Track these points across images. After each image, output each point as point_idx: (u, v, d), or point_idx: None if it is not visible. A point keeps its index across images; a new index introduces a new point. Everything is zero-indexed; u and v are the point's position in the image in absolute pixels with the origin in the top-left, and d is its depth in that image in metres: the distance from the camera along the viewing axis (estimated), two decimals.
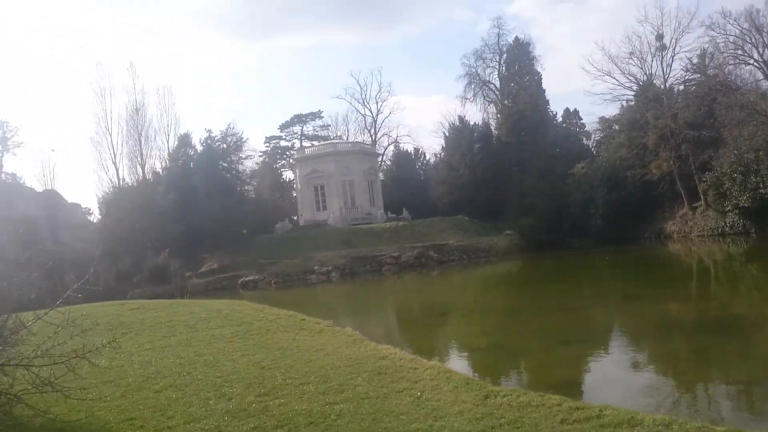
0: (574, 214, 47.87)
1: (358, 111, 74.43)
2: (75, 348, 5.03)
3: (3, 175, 49.44)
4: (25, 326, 4.75)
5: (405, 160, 62.52)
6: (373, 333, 13.27)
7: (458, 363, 10.82)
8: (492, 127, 58.06)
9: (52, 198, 41.10)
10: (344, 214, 51.00)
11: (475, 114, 66.84)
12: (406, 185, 58.08)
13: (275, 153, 70.57)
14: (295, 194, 63.70)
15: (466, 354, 9.99)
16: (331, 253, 42.02)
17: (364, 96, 73.85)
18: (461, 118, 57.60)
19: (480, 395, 6.73)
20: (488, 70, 67.72)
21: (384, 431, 5.78)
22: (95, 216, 52.60)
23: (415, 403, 6.59)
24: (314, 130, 73.02)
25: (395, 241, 44.65)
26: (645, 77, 45.11)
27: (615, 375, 10.39)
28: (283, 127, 71.52)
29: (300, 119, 71.40)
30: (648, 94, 44.22)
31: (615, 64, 45.16)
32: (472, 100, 67.32)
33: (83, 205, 54.68)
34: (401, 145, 68.51)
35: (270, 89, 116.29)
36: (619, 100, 48.20)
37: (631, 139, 45.13)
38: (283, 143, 71.72)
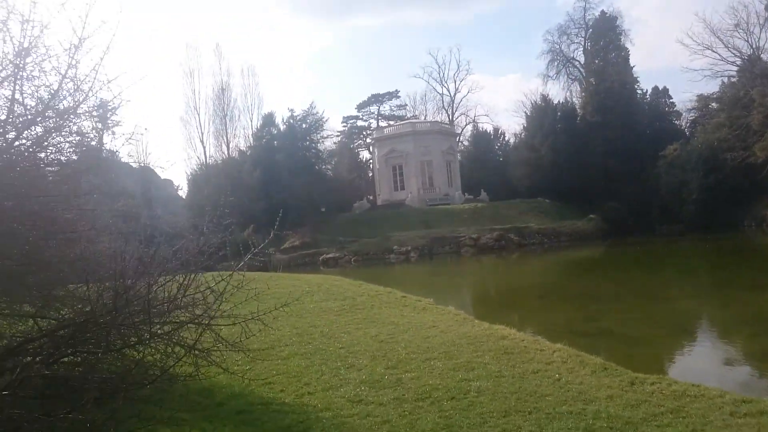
0: (664, 199, 45.49)
1: (435, 90, 73.79)
2: (251, 311, 5.22)
3: (104, 153, 52.48)
4: (210, 287, 4.94)
5: (483, 141, 61.38)
6: (475, 313, 13.15)
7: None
8: (576, 106, 55.80)
9: (147, 175, 43.32)
10: (422, 194, 50.87)
11: (558, 92, 64.51)
12: (484, 166, 57.09)
13: (352, 133, 71.14)
14: (371, 174, 64.15)
15: (576, 339, 9.65)
16: (410, 233, 42.07)
17: (441, 75, 73.05)
18: (544, 97, 55.72)
19: (624, 381, 6.47)
20: (572, 46, 65.18)
21: (534, 411, 5.65)
22: (183, 192, 55.20)
23: (557, 385, 6.42)
24: (391, 109, 73.01)
25: (474, 222, 44.13)
26: (751, 51, 41.85)
27: (746, 367, 9.77)
28: (360, 107, 71.93)
29: (377, 99, 71.49)
30: (754, 70, 41.00)
31: (717, 37, 42.18)
32: (554, 77, 65.15)
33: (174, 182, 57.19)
34: (479, 125, 67.38)
35: (347, 69, 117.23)
36: (720, 77, 45.10)
37: (732, 119, 42.06)
38: (360, 123, 72.22)
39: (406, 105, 73.47)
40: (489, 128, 65.30)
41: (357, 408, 6.12)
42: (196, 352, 4.62)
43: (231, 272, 5.11)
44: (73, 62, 3.98)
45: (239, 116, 55.30)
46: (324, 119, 51.94)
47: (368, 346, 8.86)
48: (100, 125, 6.75)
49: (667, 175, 45.66)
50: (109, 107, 5.39)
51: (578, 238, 42.56)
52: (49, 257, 4.96)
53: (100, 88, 4.45)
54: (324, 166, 53.29)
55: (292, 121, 48.75)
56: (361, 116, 72.36)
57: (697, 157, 43.93)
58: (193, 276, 4.79)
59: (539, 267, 31.20)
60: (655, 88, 59.25)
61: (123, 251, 4.85)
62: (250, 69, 71.21)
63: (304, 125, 49.75)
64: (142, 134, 5.82)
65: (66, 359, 4.22)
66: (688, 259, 29.47)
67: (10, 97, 3.96)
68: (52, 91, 4.15)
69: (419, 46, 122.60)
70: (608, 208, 46.34)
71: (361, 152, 70.45)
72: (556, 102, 56.07)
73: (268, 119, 49.13)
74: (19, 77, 3.87)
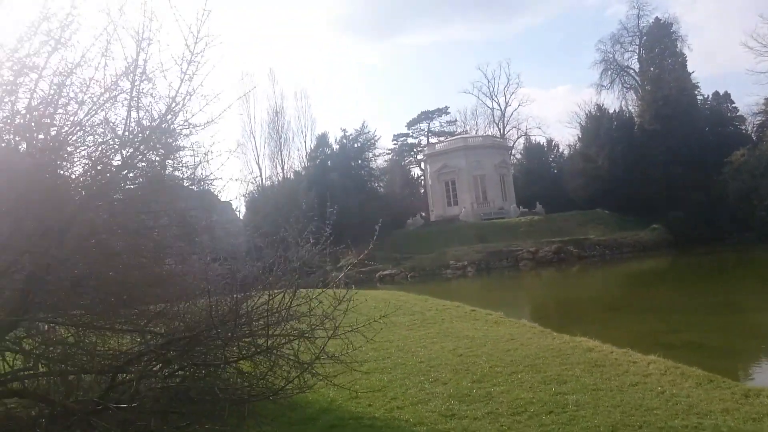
0: (732, 206, 43.33)
1: (485, 105, 73.28)
2: (349, 324, 5.16)
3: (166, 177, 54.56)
4: (309, 300, 4.92)
5: (536, 153, 60.34)
6: (548, 326, 12.72)
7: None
8: (633, 115, 54.20)
9: (207, 197, 44.76)
10: (476, 208, 50.30)
11: (613, 102, 62.76)
12: (538, 178, 56.00)
13: (403, 150, 71.33)
14: (422, 190, 64.04)
15: (663, 351, 9.14)
16: (465, 248, 41.55)
17: (491, 89, 72.57)
18: (599, 107, 54.45)
19: (737, 393, 6.04)
20: (626, 55, 63.57)
21: (643, 426, 5.33)
22: (240, 213, 56.59)
23: (662, 398, 6.06)
24: (441, 126, 72.87)
25: (530, 236, 43.23)
26: None
27: None
28: (410, 125, 72.13)
29: (426, 116, 71.55)
30: None
31: None
32: (608, 87, 63.59)
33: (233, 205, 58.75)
34: (532, 138, 66.34)
35: (395, 88, 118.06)
36: None
37: None
38: (410, 140, 72.33)
39: (456, 121, 73.29)
40: (542, 140, 64.24)
41: (451, 423, 5.93)
42: (304, 365, 4.58)
43: (322, 289, 5.09)
44: (186, 77, 4.05)
45: (293, 138, 56.43)
46: (376, 138, 52.44)
47: (448, 360, 8.67)
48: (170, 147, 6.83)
49: (734, 181, 43.57)
50: (181, 131, 5.35)
51: (641, 249, 41.02)
52: (143, 275, 5.05)
53: (193, 114, 4.50)
54: (377, 184, 53.60)
55: (345, 140, 49.39)
56: (411, 133, 72.56)
57: (767, 162, 41.78)
58: (294, 291, 4.77)
59: (605, 279, 30.13)
60: (716, 93, 56.92)
61: (225, 269, 4.87)
62: (302, 92, 73.11)
63: (356, 144, 50.28)
64: (209, 158, 5.78)
65: (177, 373, 4.25)
66: (765, 268, 27.84)
67: (125, 116, 4.05)
68: (160, 112, 4.23)
69: (467, 62, 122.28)
70: (672, 217, 44.57)
71: (412, 169, 70.54)
72: (611, 111, 54.66)
73: (322, 140, 49.94)
74: (134, 96, 3.95)
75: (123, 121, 4.08)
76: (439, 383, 7.45)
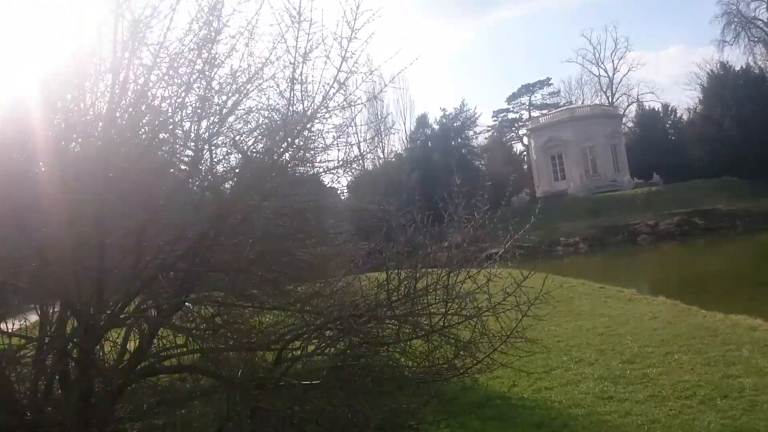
0: None
1: (591, 73, 69.25)
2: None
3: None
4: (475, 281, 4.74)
5: (651, 120, 56.15)
6: (690, 303, 11.73)
7: None
8: (765, 70, 48.84)
9: (315, 184, 46.27)
10: (585, 182, 47.90)
11: (738, 58, 56.77)
12: (654, 147, 52.11)
13: (503, 126, 69.38)
14: (526, 166, 62.06)
15: None
16: (576, 223, 39.71)
17: (597, 56, 68.40)
18: (723, 65, 49.53)
19: None
20: (752, 5, 57.10)
21: None
22: (343, 197, 57.86)
23: None
24: (543, 98, 69.89)
25: (648, 208, 40.42)
26: None
27: None
28: (510, 99, 69.81)
29: (527, 89, 68.87)
30: None
31: None
32: (732, 42, 57.59)
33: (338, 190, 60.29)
34: (644, 104, 61.89)
35: (493, 64, 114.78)
36: None
37: None
38: (510, 115, 70.06)
39: (560, 92, 69.89)
40: (656, 106, 59.67)
41: (610, 405, 5.55)
42: (493, 343, 4.45)
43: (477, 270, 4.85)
44: (348, 55, 3.90)
45: (393, 121, 56.60)
46: (476, 115, 51.32)
47: (589, 340, 8.20)
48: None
49: None
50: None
51: None
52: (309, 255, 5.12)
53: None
54: (478, 162, 52.59)
55: (444, 120, 48.80)
56: (511, 108, 70.22)
57: None
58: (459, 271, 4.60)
59: (741, 252, 27.46)
60: None
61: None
62: (400, 74, 72.51)
63: (456, 123, 49.52)
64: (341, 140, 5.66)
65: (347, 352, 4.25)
66: None
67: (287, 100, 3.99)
68: (324, 93, 4.12)
69: (566, 31, 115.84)
70: None
71: (514, 145, 68.52)
72: (737, 69, 49.54)
73: (422, 121, 49.71)
74: (297, 80, 3.88)
75: (284, 106, 4.05)
76: (585, 363, 7.03)
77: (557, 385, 6.36)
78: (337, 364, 3.98)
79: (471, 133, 50.44)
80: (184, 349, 4.34)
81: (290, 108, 3.95)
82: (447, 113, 49.29)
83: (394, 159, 51.01)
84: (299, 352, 4.35)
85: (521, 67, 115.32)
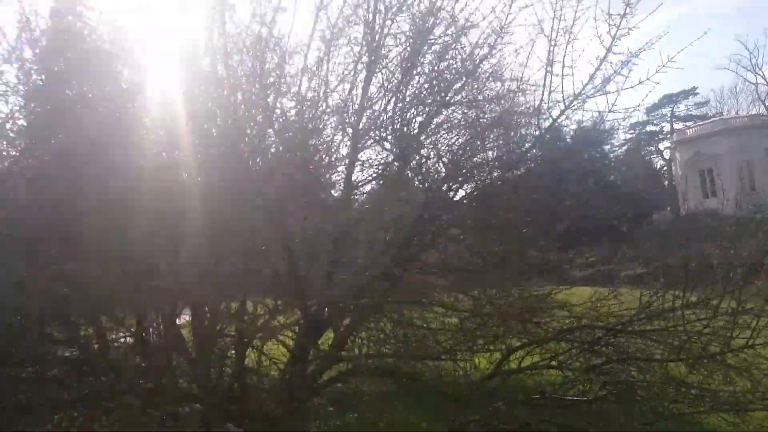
0: None
1: (747, 80, 62.96)
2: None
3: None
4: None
5: None
6: None
7: None
8: None
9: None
10: (742, 200, 43.29)
11: None
12: None
13: (641, 139, 65.03)
14: (666, 182, 57.62)
15: None
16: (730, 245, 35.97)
17: (754, 62, 62.20)
18: None
19: None
20: None
21: None
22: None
23: None
24: (687, 109, 64.62)
25: None
26: None
27: None
28: (649, 111, 65.30)
29: (670, 100, 64.01)
30: None
31: None
32: None
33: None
34: None
35: (630, 74, 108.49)
36: None
37: None
38: (650, 128, 65.52)
39: (708, 102, 64.30)
40: None
41: None
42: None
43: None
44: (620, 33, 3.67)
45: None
46: (615, 129, 48.46)
47: None
48: None
49: None
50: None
51: None
52: None
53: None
54: (615, 177, 49.61)
55: (580, 132, 46.68)
56: (651, 120, 65.72)
57: None
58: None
59: None
60: None
61: None
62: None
63: (592, 136, 47.18)
64: None
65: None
66: None
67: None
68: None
69: (715, 36, 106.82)
70: None
71: (654, 159, 63.94)
72: None
73: (555, 131, 47.88)
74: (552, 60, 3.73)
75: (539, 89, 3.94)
76: None
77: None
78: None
79: (608, 146, 47.62)
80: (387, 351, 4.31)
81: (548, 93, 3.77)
82: (582, 125, 47.10)
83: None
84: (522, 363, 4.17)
85: (662, 77, 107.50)
